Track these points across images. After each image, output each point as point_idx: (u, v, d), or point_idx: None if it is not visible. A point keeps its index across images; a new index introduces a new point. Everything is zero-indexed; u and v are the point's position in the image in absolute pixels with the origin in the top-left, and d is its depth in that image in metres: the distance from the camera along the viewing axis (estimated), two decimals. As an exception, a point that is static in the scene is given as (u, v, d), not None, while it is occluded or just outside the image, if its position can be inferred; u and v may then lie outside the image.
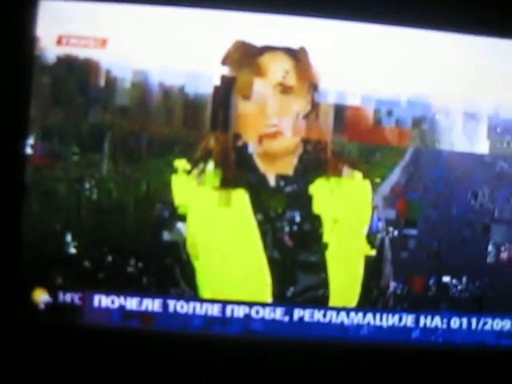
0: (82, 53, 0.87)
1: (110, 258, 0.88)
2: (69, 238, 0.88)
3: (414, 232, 0.90)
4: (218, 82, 0.87)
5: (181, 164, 0.87)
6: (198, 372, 0.89)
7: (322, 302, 0.90)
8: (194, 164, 0.88)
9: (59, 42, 0.86)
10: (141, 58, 0.87)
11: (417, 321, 0.92)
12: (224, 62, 0.87)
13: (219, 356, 0.89)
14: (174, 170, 0.87)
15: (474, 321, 0.92)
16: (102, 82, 0.87)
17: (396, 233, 0.90)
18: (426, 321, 0.92)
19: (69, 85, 0.87)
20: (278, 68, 0.87)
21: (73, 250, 0.88)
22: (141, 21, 0.87)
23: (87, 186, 0.88)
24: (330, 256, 0.89)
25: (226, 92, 0.87)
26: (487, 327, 0.93)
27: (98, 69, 0.87)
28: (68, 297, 0.89)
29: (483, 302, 0.92)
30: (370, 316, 0.91)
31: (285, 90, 0.87)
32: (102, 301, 0.89)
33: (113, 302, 0.89)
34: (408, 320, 0.91)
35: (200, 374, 0.89)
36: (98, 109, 0.87)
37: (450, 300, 0.92)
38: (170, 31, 0.87)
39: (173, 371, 0.88)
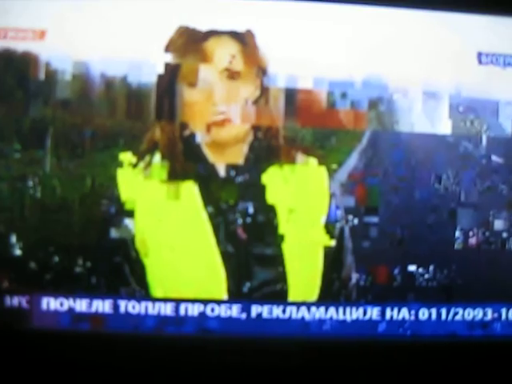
0: (20, 46, 0.86)
1: (56, 259, 0.87)
2: (13, 239, 0.87)
3: (375, 219, 0.89)
4: (161, 70, 0.87)
5: (126, 157, 0.87)
6: (152, 375, 0.86)
7: (280, 297, 0.89)
8: (140, 156, 0.87)
9: (-4, 35, 0.85)
10: (81, 48, 0.87)
11: (383, 313, 0.90)
12: (167, 48, 0.86)
13: (174, 357, 0.87)
14: (120, 164, 0.87)
15: (443, 311, 0.90)
16: (42, 75, 0.87)
17: (356, 221, 0.89)
18: (393, 313, 0.90)
19: (8, 79, 0.87)
20: (224, 53, 0.86)
21: (18, 252, 0.87)
22: (79, 10, 0.87)
23: (30, 183, 0.87)
24: (287, 248, 0.88)
25: (170, 80, 0.86)
26: (458, 317, 0.90)
27: (37, 62, 0.87)
28: (15, 300, 0.88)
29: (453, 291, 0.90)
30: (332, 310, 0.89)
31: (232, 75, 0.86)
32: (51, 303, 0.88)
33: (61, 304, 0.88)
34: (373, 313, 0.90)
35: (154, 377, 0.86)
36: (39, 103, 0.87)
37: (417, 290, 0.90)
38: (110, 20, 0.87)
39: (125, 375, 0.86)
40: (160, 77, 0.86)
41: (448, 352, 0.89)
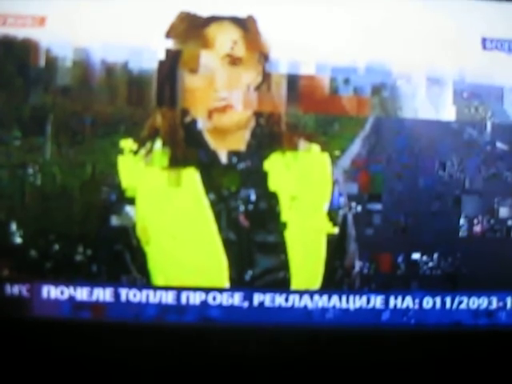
0: (20, 32, 0.86)
1: (57, 247, 0.87)
2: (13, 226, 0.87)
3: (378, 207, 0.89)
4: (162, 56, 0.87)
5: (127, 144, 0.87)
6: (153, 363, 0.86)
7: (283, 285, 0.89)
8: (141, 143, 0.87)
9: (-4, 22, 0.85)
10: (81, 35, 0.87)
11: (386, 302, 0.89)
12: (168, 34, 0.86)
13: (175, 346, 0.86)
14: (120, 151, 0.87)
15: (448, 300, 0.90)
16: (42, 62, 0.87)
17: (359, 208, 0.88)
18: (397, 301, 0.89)
19: (7, 66, 0.87)
20: (226, 39, 0.85)
21: (18, 240, 0.87)
22: (80, -4, 0.85)
23: (30, 171, 0.87)
24: (290, 235, 0.87)
25: (171, 66, 0.86)
26: (463, 306, 0.90)
27: (37, 48, 0.86)
28: (15, 289, 0.87)
29: (457, 280, 0.90)
30: (335, 298, 0.89)
31: (233, 61, 0.85)
32: (51, 292, 0.88)
33: (62, 292, 0.88)
34: (377, 301, 0.89)
35: (155, 366, 0.86)
36: (39, 90, 0.87)
37: (422, 278, 0.90)
38: (111, 6, 0.87)
39: (127, 363, 0.86)
40: (161, 63, 0.86)
41: (452, 341, 0.89)
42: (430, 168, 0.88)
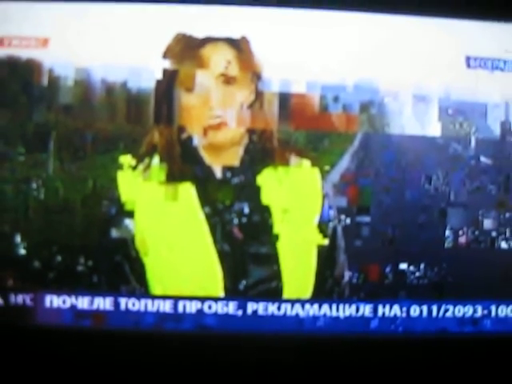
0: (24, 53, 0.90)
1: (59, 258, 0.91)
2: (18, 238, 0.91)
3: (366, 219, 0.92)
4: (160, 75, 0.91)
5: (126, 160, 0.91)
6: (151, 370, 0.90)
7: (275, 295, 0.93)
8: (140, 159, 0.91)
9: (1, 43, 0.90)
10: (83, 55, 0.91)
11: (375, 310, 0.93)
12: (165, 55, 0.90)
13: (173, 353, 0.90)
14: (120, 166, 0.91)
15: (434, 308, 0.93)
16: (45, 82, 0.91)
17: (348, 221, 0.92)
18: (385, 310, 0.93)
19: (12, 85, 0.91)
20: (220, 59, 0.89)
21: (22, 251, 0.91)
22: (81, 19, 0.91)
23: (34, 185, 0.91)
24: (282, 247, 0.91)
25: (168, 85, 0.90)
26: (449, 314, 0.93)
27: (40, 68, 0.91)
28: (20, 298, 0.91)
29: (443, 289, 0.93)
30: (325, 307, 0.93)
31: (228, 80, 0.89)
32: (54, 301, 0.92)
33: (64, 301, 0.92)
34: (366, 310, 0.93)
35: (153, 372, 0.90)
36: (42, 108, 0.91)
37: (409, 288, 0.93)
38: (110, 27, 0.91)
39: (126, 370, 0.90)
40: (158, 82, 0.90)
41: (439, 348, 0.92)
42: (417, 181, 0.92)
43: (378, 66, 0.91)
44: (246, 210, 0.91)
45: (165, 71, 0.90)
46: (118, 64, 0.89)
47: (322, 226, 0.92)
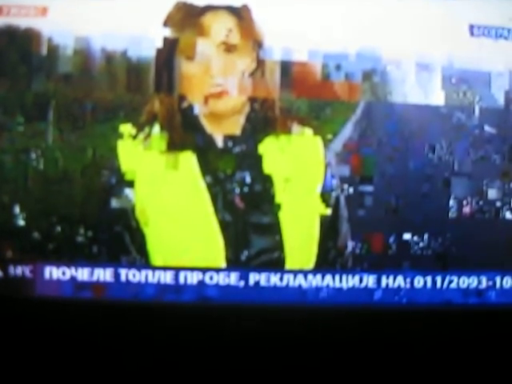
0: (22, 22, 0.89)
1: (59, 229, 0.90)
2: (17, 209, 0.90)
3: (369, 188, 0.92)
4: (160, 44, 0.90)
5: (126, 129, 0.90)
6: (152, 342, 0.89)
7: (277, 265, 0.92)
8: (140, 128, 0.90)
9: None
10: (82, 24, 0.90)
11: (378, 281, 0.93)
12: (166, 23, 0.90)
13: (173, 325, 0.90)
14: (120, 136, 0.90)
15: (438, 279, 0.93)
16: (45, 51, 0.90)
17: (351, 190, 0.92)
18: (388, 281, 0.92)
19: (11, 55, 0.90)
20: (221, 27, 0.89)
21: (21, 222, 0.90)
22: (80, -14, 0.89)
23: (33, 156, 0.90)
24: (284, 217, 0.90)
25: (169, 54, 0.90)
26: (453, 285, 0.93)
27: (39, 37, 0.90)
28: (19, 270, 0.90)
29: (447, 259, 0.93)
30: (328, 278, 0.92)
31: (229, 48, 0.89)
32: (53, 272, 0.91)
33: (64, 273, 0.91)
34: (369, 281, 0.92)
35: (154, 344, 0.89)
36: (42, 77, 0.91)
37: (413, 258, 0.93)
38: (110, -5, 0.88)
39: (126, 342, 0.89)
40: (159, 51, 0.89)
41: (443, 320, 0.92)
42: (420, 151, 0.92)
43: (380, 35, 0.90)
44: (248, 180, 0.90)
45: (165, 39, 0.89)
46: (118, 32, 0.89)
47: (325, 196, 0.91)
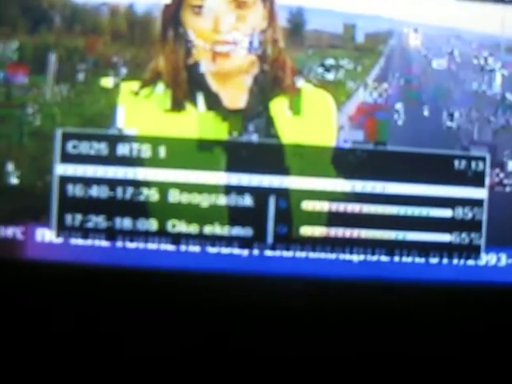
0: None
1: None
2: (10, 167, 0.85)
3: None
4: None
5: (128, 85, 0.85)
6: (150, 312, 0.84)
7: (284, 234, 0.85)
8: (143, 85, 0.85)
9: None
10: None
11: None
12: None
13: (174, 294, 0.85)
14: (122, 92, 0.84)
15: (455, 254, 0.86)
16: (46, 3, 0.85)
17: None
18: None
19: (10, 6, 0.86)
20: (232, -18, 0.84)
21: (15, 181, 0.85)
22: None
23: (30, 111, 0.85)
24: (293, 182, 0.85)
25: (176, 8, 0.85)
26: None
27: (41, -12, 0.85)
28: (10, 231, 0.85)
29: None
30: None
31: (239, 4, 0.85)
32: (46, 235, 0.85)
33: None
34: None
35: (152, 315, 0.84)
36: (42, 30, 0.85)
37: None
38: None
39: (122, 309, 0.84)
40: (166, 5, 0.86)
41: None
42: (438, 118, 0.88)
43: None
44: (255, 142, 0.86)
45: (173, -6, 0.86)
46: (125, -15, 0.86)
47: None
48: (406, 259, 0.86)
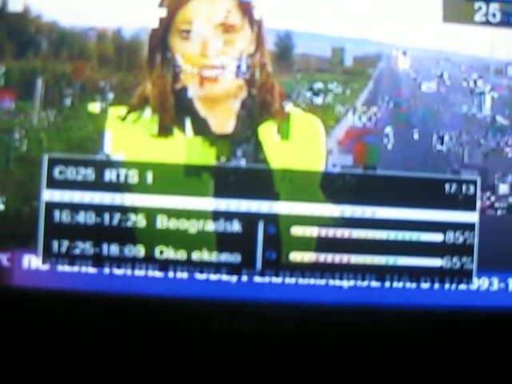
0: (12, -2, 0.86)
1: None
2: (-4, 193, 0.85)
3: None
4: (155, 24, 0.85)
5: (116, 111, 0.85)
6: (138, 338, 0.84)
7: (273, 259, 0.85)
8: (130, 110, 0.85)
9: (-12, -12, 0.86)
10: (74, 1, 0.85)
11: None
12: (161, 3, 0.85)
13: (162, 322, 0.84)
14: (109, 117, 0.85)
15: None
16: (33, 28, 0.86)
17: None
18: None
19: (-2, 31, 0.86)
20: (220, 7, 0.85)
21: (0, 206, 0.85)
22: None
23: (16, 136, 0.85)
24: (281, 207, 0.85)
25: (163, 34, 0.85)
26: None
27: (28, 14, 0.86)
28: (-4, 258, 0.85)
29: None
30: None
31: (227, 29, 0.86)
32: (32, 261, 0.84)
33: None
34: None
35: (140, 340, 0.84)
36: (29, 55, 0.86)
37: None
38: (104, -28, 0.86)
39: (110, 336, 0.83)
40: (153, 30, 0.86)
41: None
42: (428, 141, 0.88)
43: (387, 19, 0.87)
44: (244, 167, 0.86)
45: (161, 19, 0.86)
46: (112, 10, 0.86)
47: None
48: (397, 284, 0.87)
